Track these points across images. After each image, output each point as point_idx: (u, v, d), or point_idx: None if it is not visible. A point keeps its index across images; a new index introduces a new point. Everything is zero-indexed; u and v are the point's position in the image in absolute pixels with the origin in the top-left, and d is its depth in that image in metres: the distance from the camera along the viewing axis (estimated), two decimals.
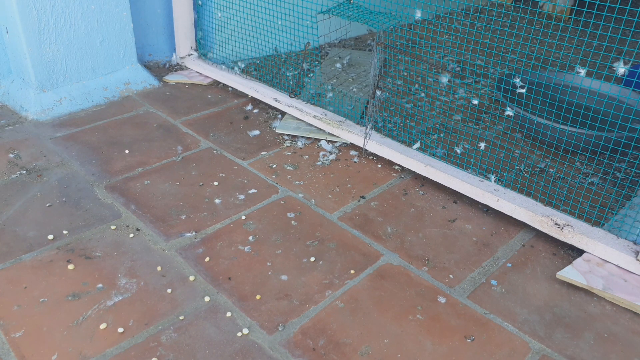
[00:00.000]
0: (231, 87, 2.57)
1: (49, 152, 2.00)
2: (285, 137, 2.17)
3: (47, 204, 1.71)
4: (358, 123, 2.12)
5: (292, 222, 1.68)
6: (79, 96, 2.35)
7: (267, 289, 1.43)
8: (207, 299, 1.39)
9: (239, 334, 1.29)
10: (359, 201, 1.80)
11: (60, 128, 2.18)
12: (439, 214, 1.76)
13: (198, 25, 2.71)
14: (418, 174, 1.90)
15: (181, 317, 1.33)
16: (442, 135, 2.17)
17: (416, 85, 2.56)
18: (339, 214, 1.74)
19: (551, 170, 1.98)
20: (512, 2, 3.52)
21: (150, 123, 2.25)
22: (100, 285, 1.41)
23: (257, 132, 2.20)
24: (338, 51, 3.01)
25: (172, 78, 2.65)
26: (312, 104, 2.26)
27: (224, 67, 2.61)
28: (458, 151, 1.86)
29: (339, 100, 2.28)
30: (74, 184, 1.82)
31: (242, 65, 2.63)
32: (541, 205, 1.66)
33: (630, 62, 1.56)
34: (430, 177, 1.86)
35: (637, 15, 1.42)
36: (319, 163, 2.01)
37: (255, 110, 2.39)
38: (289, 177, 1.91)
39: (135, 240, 1.58)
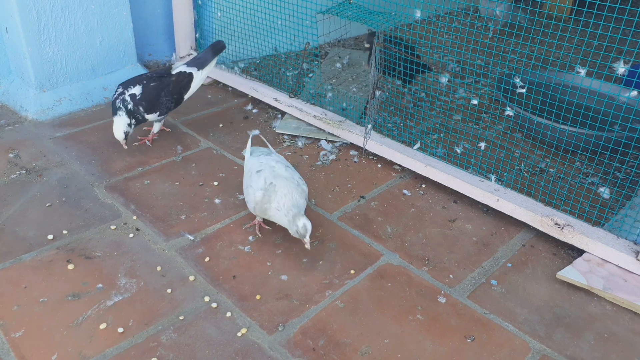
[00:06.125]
0: (231, 87, 2.57)
1: (49, 152, 2.00)
2: (285, 137, 2.17)
3: (47, 204, 1.71)
4: (358, 123, 2.12)
5: None
6: (78, 96, 2.35)
7: (267, 289, 1.43)
8: (207, 299, 1.38)
9: (239, 334, 1.29)
10: (359, 201, 1.80)
11: (60, 128, 2.18)
12: (439, 214, 1.76)
13: (198, 25, 2.71)
14: (418, 174, 1.90)
15: (181, 317, 1.33)
16: (442, 135, 2.17)
17: (415, 86, 2.56)
18: (339, 213, 1.74)
19: (551, 170, 1.98)
20: (512, 2, 3.52)
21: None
22: (100, 285, 1.41)
23: (257, 132, 2.20)
24: (338, 51, 3.01)
25: None
26: (312, 103, 2.26)
27: (223, 66, 2.61)
28: (458, 151, 1.86)
29: (339, 100, 2.28)
30: (74, 184, 1.82)
31: (242, 65, 2.63)
32: (541, 205, 1.66)
33: (630, 62, 1.56)
34: (431, 177, 1.85)
35: (637, 15, 1.42)
36: (319, 163, 2.01)
37: (255, 110, 2.39)
38: None
39: (135, 240, 1.58)
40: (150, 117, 1.97)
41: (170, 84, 1.98)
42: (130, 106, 1.91)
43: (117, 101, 1.92)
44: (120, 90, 1.94)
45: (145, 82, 1.95)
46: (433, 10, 1.96)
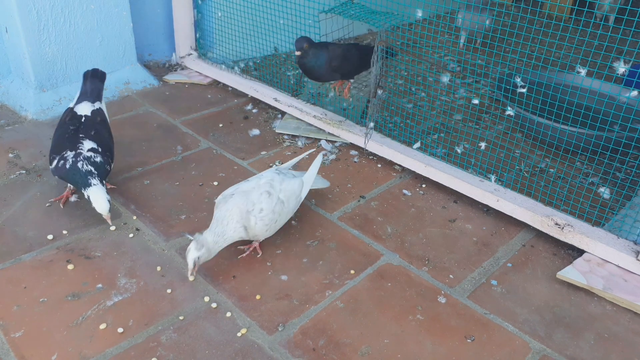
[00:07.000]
0: (231, 87, 2.57)
1: (49, 152, 2.00)
2: (285, 137, 2.17)
3: (47, 204, 1.71)
4: (358, 123, 2.12)
5: (292, 222, 1.68)
6: None
7: (267, 289, 1.43)
8: (207, 299, 1.38)
9: (239, 334, 1.29)
10: (359, 201, 1.80)
11: None
12: (439, 214, 1.76)
13: (198, 25, 2.71)
14: (418, 174, 1.90)
15: (181, 317, 1.33)
16: (442, 135, 2.17)
17: (416, 85, 2.56)
18: (339, 213, 1.74)
19: (551, 170, 1.98)
20: (512, 2, 3.52)
21: (150, 123, 2.25)
22: (100, 285, 1.41)
23: (257, 131, 2.20)
24: None
25: (171, 78, 2.65)
26: (312, 103, 2.26)
27: (223, 66, 2.61)
28: (458, 151, 1.86)
29: (339, 99, 2.28)
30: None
31: (242, 65, 2.63)
32: (541, 205, 1.66)
33: (631, 62, 1.56)
34: (431, 177, 1.85)
35: (637, 15, 1.41)
36: None
37: (255, 110, 2.39)
38: None
39: (135, 240, 1.58)
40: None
41: (102, 125, 1.74)
42: (99, 160, 1.60)
43: (80, 166, 1.55)
44: (70, 153, 1.60)
45: (83, 133, 1.66)
46: (434, 10, 1.96)
